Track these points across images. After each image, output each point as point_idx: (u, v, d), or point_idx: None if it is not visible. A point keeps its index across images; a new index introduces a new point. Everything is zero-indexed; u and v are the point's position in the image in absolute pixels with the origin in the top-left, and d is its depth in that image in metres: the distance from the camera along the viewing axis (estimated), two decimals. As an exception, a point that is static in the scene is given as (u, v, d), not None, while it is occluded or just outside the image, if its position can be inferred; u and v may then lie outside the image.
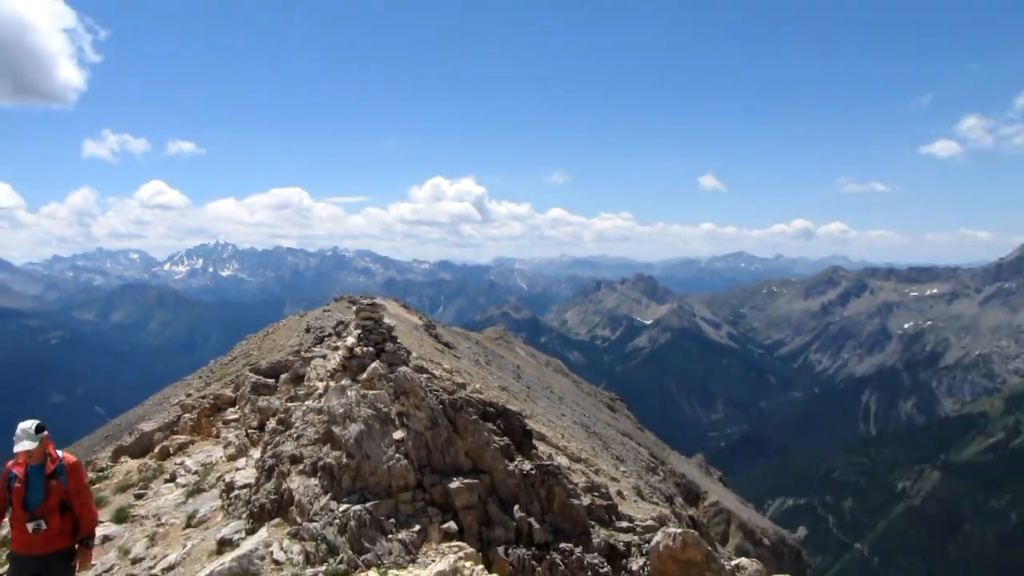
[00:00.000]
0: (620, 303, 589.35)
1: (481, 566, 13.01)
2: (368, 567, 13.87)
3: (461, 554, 13.50)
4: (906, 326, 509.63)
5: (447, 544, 14.41)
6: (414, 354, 31.56)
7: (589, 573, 15.10)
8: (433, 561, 13.47)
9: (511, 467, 16.22)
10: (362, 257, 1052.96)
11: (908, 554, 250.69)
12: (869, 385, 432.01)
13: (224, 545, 16.73)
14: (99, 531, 20.45)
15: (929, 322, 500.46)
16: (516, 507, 15.82)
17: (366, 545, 14.48)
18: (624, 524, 17.57)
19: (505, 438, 17.22)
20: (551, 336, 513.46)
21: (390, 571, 13.38)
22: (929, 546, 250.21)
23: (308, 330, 45.84)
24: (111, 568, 18.35)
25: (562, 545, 15.49)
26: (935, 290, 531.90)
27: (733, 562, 14.85)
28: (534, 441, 19.68)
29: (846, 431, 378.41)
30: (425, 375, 19.58)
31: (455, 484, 15.57)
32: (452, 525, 15.18)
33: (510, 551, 14.97)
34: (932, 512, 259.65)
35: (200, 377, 54.16)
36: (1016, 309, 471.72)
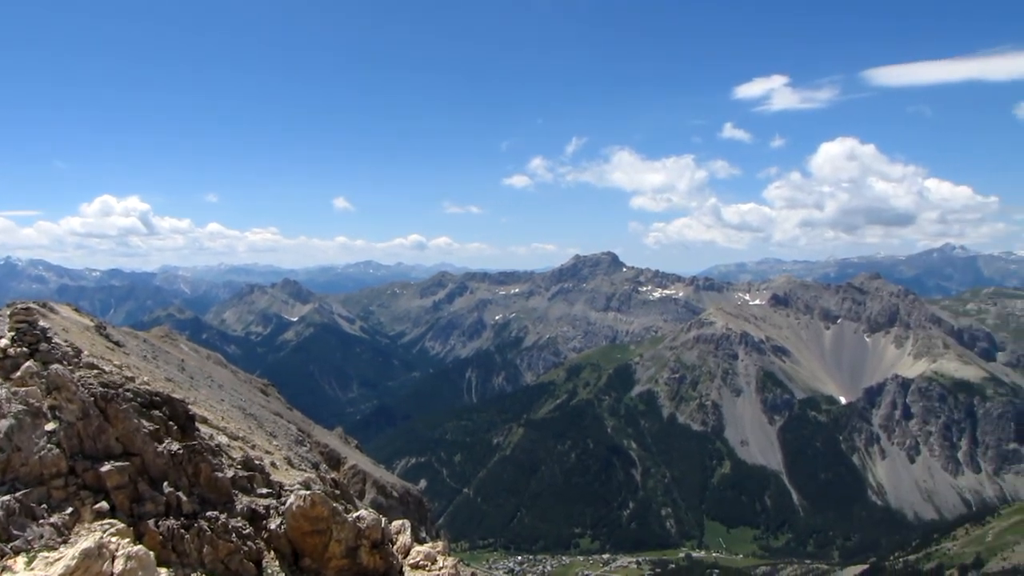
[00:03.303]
0: (271, 304, 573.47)
1: (129, 539, 11.56)
2: (17, 553, 11.95)
3: (112, 530, 12.01)
4: (497, 318, 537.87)
5: (98, 523, 12.76)
6: (85, 352, 28.13)
7: (234, 535, 13.99)
8: (83, 539, 11.80)
9: (160, 448, 14.72)
10: (35, 266, 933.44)
11: (502, 493, 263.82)
12: (471, 364, 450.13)
13: None
14: None
15: (513, 314, 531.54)
16: (166, 483, 14.36)
17: (15, 532, 12.51)
18: (264, 490, 16.54)
19: (172, 423, 15.73)
20: (212, 333, 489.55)
21: (39, 554, 11.56)
22: (517, 485, 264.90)
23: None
24: None
25: (209, 513, 14.25)
26: (517, 290, 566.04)
27: (355, 514, 14.36)
28: (197, 424, 18.14)
29: (455, 401, 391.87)
30: (94, 370, 17.34)
31: (106, 467, 13.87)
32: (104, 505, 13.52)
33: (160, 523, 13.54)
34: (519, 458, 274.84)
35: None
36: (572, 303, 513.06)
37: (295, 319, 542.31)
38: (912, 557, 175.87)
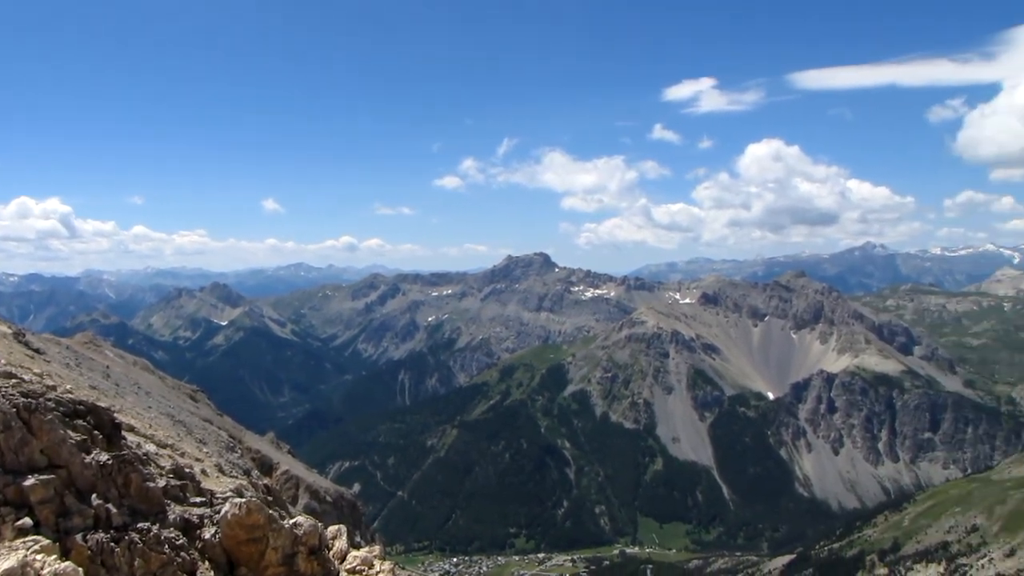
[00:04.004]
0: (199, 308, 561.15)
1: (55, 556, 11.17)
2: (-65, 574, 11.36)
3: (36, 547, 11.54)
4: (430, 319, 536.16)
5: (21, 540, 12.27)
6: (2, 360, 27.21)
7: (166, 547, 13.65)
8: (4, 558, 11.33)
9: (88, 460, 14.26)
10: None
11: (437, 495, 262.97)
12: (404, 366, 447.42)
13: None
14: None
15: (446, 315, 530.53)
16: (94, 496, 13.93)
17: (-66, 551, 11.91)
18: (198, 499, 16.19)
19: (97, 432, 15.18)
20: (138, 339, 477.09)
21: (-42, 574, 11.03)
22: (451, 486, 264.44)
23: None
24: None
25: (140, 525, 13.86)
26: (449, 291, 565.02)
27: (292, 520, 14.17)
28: (124, 432, 17.63)
29: (388, 404, 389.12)
30: (13, 379, 16.70)
31: (30, 481, 13.35)
32: (27, 521, 12.96)
33: (88, 537, 13.11)
34: (453, 460, 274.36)
35: None
36: (505, 303, 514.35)
37: (224, 323, 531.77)
38: (836, 545, 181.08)
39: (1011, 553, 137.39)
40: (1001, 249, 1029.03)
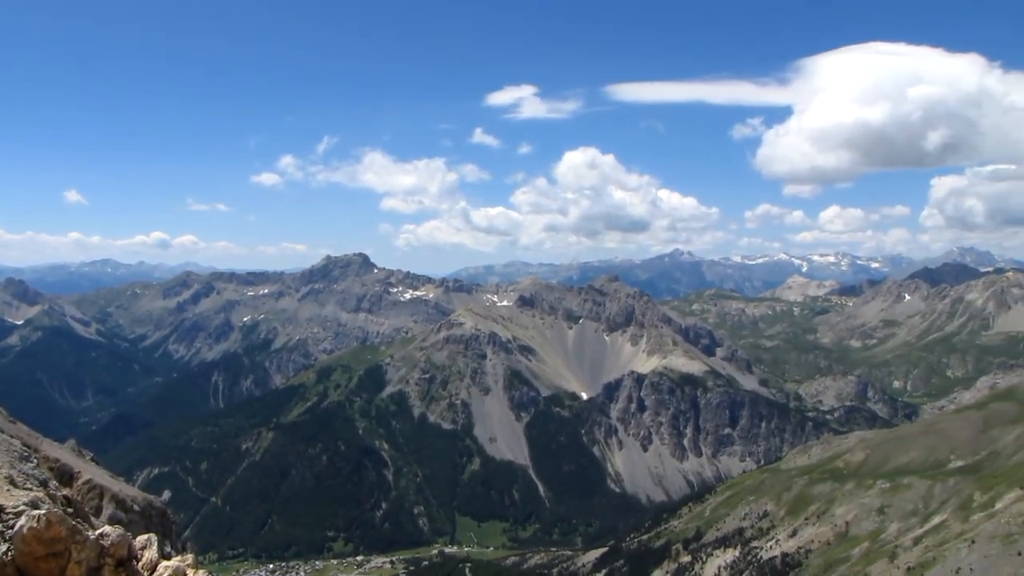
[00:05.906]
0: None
1: None
2: None
3: None
4: (245, 319, 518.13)
5: None
6: None
7: (-53, 567, 12.45)
8: None
9: None
10: None
11: (252, 499, 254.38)
12: (218, 368, 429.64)
13: None
14: None
15: (262, 315, 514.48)
16: None
17: None
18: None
19: None
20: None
21: None
22: (268, 491, 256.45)
23: None
24: None
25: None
26: (266, 290, 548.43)
27: (97, 531, 13.30)
28: None
29: (201, 407, 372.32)
30: None
31: None
32: None
33: None
34: (269, 464, 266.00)
35: None
36: (323, 304, 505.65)
37: (20, 322, 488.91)
38: (645, 536, 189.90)
39: (794, 534, 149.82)
40: (792, 259, 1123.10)
